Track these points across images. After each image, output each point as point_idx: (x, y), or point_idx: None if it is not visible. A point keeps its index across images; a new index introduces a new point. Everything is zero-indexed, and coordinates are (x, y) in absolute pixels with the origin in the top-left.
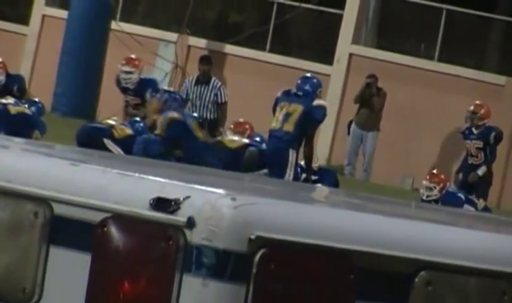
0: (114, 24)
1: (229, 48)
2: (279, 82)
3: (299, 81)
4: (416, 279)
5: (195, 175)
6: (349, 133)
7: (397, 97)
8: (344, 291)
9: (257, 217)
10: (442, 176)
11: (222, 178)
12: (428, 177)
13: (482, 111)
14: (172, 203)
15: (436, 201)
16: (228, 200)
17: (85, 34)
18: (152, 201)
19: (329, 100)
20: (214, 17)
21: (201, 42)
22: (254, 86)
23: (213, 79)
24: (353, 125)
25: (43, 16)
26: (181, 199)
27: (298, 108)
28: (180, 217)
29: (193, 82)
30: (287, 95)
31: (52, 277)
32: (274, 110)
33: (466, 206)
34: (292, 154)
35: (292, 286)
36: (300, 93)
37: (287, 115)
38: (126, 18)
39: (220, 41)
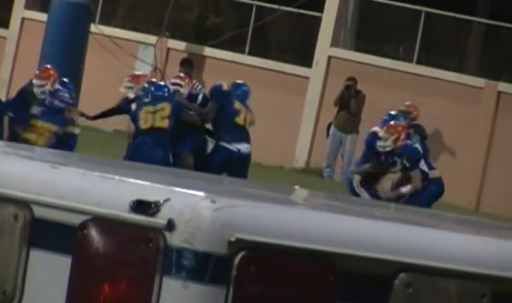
0: (93, 28)
1: (209, 51)
2: (258, 84)
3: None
4: (396, 281)
5: (175, 177)
6: (328, 135)
7: (376, 100)
8: (324, 294)
9: (237, 219)
10: (399, 128)
11: (202, 180)
12: (384, 128)
13: (415, 112)
14: (152, 206)
15: (391, 152)
16: (208, 202)
17: (65, 37)
18: (132, 204)
19: (308, 103)
20: (193, 20)
21: (181, 45)
22: None
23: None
24: (332, 128)
25: (23, 19)
26: (161, 201)
27: None
28: (160, 219)
29: None
30: None
31: (32, 279)
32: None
33: (422, 162)
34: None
35: (272, 288)
36: None
37: None
38: (105, 21)
39: (199, 44)
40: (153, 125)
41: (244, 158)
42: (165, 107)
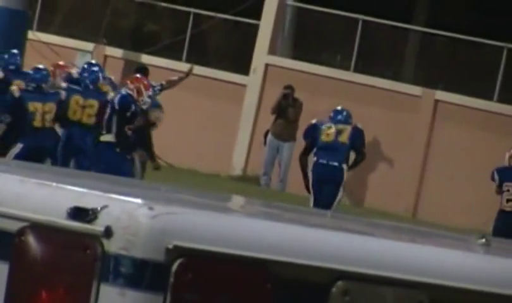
0: (31, 34)
1: (146, 58)
2: (195, 92)
3: (331, 114)
4: (334, 289)
5: (113, 184)
6: (265, 143)
7: (314, 107)
8: (261, 301)
9: (175, 226)
10: None
11: (140, 188)
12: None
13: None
14: (90, 212)
15: None
16: (145, 209)
17: (2, 43)
18: (69, 210)
19: (245, 110)
20: (131, 27)
21: (118, 52)
22: (171, 96)
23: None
24: (270, 136)
25: None
26: (99, 208)
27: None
28: (98, 226)
29: None
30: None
31: None
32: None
33: None
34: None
35: (210, 295)
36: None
37: (339, 133)
38: (42, 28)
39: (136, 51)
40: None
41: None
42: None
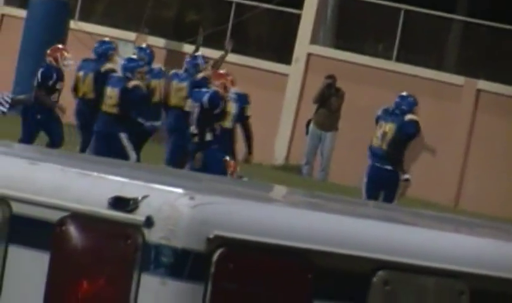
0: (72, 24)
1: (188, 48)
2: (237, 81)
3: (397, 99)
4: (374, 279)
5: (154, 174)
6: (307, 133)
7: (356, 97)
8: (301, 291)
9: (215, 216)
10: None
11: (181, 177)
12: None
13: None
14: (131, 202)
15: None
16: (186, 199)
17: (44, 33)
18: (110, 200)
19: (287, 100)
20: (172, 17)
21: (160, 42)
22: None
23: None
24: (312, 125)
25: (2, 15)
26: (140, 198)
27: (392, 127)
28: (138, 216)
29: None
30: (385, 113)
31: (10, 276)
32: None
33: None
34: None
35: (250, 285)
36: (397, 112)
37: (384, 134)
38: (84, 18)
39: (178, 41)
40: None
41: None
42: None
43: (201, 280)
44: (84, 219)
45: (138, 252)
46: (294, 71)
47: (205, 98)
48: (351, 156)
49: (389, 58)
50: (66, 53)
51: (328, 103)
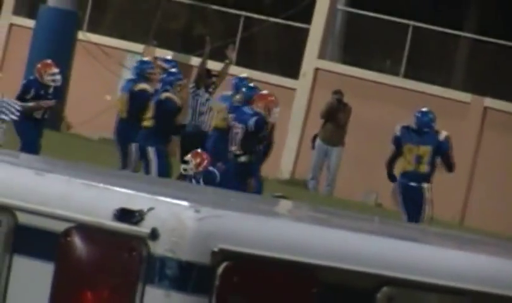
0: (81, 35)
1: (195, 61)
2: None
3: (418, 115)
4: (379, 295)
5: (160, 186)
6: (313, 147)
7: (363, 112)
8: None
9: (221, 229)
10: (204, 156)
11: (187, 190)
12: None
13: None
14: (136, 214)
15: (193, 177)
16: (192, 212)
17: (52, 44)
18: (115, 212)
19: (294, 114)
20: (180, 30)
21: (168, 54)
22: None
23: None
24: (318, 140)
25: (11, 24)
26: (145, 210)
27: (427, 150)
28: (144, 228)
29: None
30: (409, 133)
31: (15, 286)
32: (397, 147)
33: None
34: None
35: (255, 299)
36: (426, 130)
37: (419, 158)
38: (93, 29)
39: (186, 54)
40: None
41: None
42: None
43: (206, 293)
44: (89, 231)
45: (143, 264)
46: (302, 85)
47: (252, 122)
48: (357, 171)
49: (396, 74)
50: (51, 69)
51: (335, 118)
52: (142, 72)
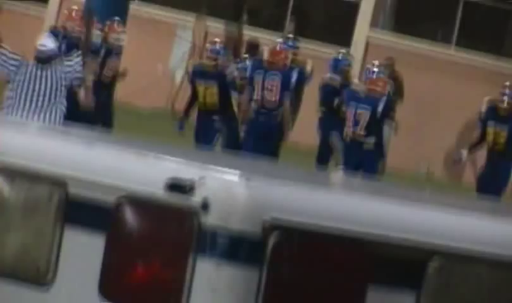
0: (133, 5)
1: (246, 30)
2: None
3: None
4: (430, 265)
5: (210, 157)
6: None
7: (414, 83)
8: (357, 276)
9: (272, 199)
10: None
11: (238, 160)
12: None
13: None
14: (187, 184)
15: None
16: (243, 182)
17: (104, 14)
18: (166, 182)
19: None
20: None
21: (218, 25)
22: None
23: None
24: None
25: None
26: (196, 180)
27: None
28: (195, 198)
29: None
30: (495, 115)
31: (66, 256)
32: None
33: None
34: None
35: (306, 268)
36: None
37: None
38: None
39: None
40: None
41: None
42: None
43: (257, 262)
44: (140, 201)
45: (194, 235)
46: (353, 54)
47: (381, 107)
48: (409, 142)
49: (448, 43)
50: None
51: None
52: (341, 70)
